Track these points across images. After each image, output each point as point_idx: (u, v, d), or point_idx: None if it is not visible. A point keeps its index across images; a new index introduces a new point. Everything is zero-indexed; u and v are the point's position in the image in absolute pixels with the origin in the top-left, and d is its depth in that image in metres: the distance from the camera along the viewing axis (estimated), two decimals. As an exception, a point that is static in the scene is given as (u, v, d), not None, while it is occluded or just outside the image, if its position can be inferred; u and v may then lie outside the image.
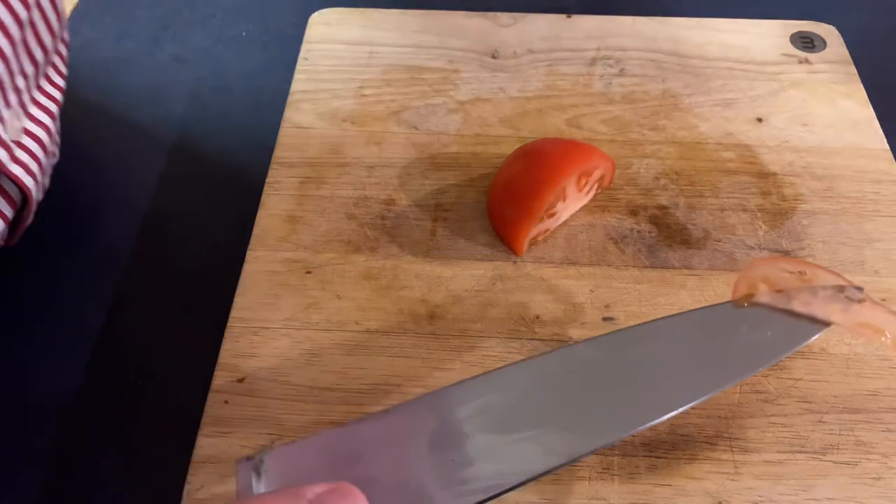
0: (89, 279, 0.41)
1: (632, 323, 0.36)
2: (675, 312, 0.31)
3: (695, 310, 0.31)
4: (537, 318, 0.37)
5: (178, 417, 0.35)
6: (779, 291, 0.31)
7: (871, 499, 0.31)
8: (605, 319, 0.37)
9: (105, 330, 0.39)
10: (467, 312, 0.37)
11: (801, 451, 0.33)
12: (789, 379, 0.35)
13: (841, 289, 0.30)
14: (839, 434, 0.33)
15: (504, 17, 0.53)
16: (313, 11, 0.53)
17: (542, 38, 0.51)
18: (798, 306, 0.30)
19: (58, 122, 0.41)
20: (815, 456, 0.32)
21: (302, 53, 0.50)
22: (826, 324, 0.30)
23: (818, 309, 0.30)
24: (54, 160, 0.40)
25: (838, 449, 0.33)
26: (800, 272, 0.31)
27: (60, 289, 0.41)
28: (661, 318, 0.30)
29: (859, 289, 0.30)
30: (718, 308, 0.31)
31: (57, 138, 0.40)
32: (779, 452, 0.33)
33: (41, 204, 0.39)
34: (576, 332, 0.37)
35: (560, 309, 0.37)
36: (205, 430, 0.34)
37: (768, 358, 0.29)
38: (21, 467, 0.35)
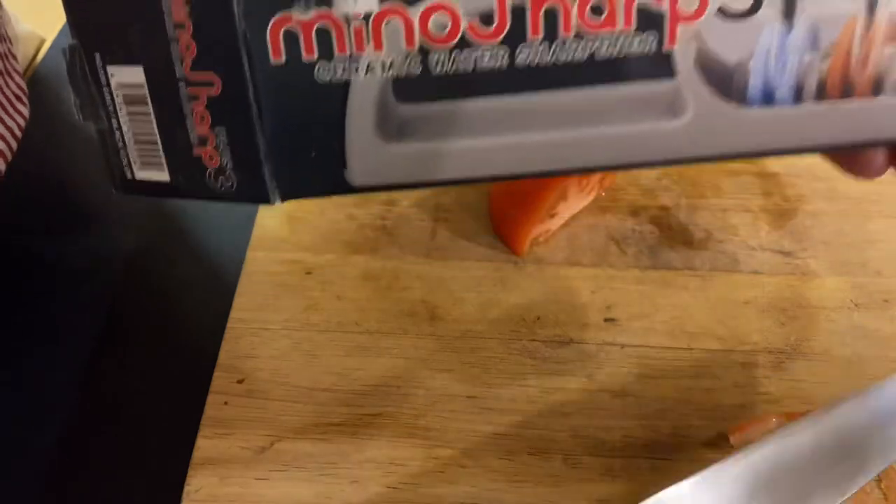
0: (88, 277, 0.41)
1: (633, 324, 0.37)
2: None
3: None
4: (538, 319, 0.37)
5: (178, 417, 0.35)
6: None
7: (873, 501, 0.31)
8: (606, 321, 0.37)
9: (104, 330, 0.39)
10: (468, 313, 0.37)
11: (803, 453, 0.32)
12: (791, 380, 0.35)
13: None
14: (842, 436, 0.33)
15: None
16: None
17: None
18: None
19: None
20: (817, 458, 0.32)
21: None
22: None
23: None
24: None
25: (841, 451, 0.32)
26: None
27: (60, 288, 0.41)
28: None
29: None
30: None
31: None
32: (781, 454, 0.32)
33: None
34: (577, 334, 0.36)
35: (561, 310, 0.37)
36: (204, 431, 0.33)
37: None
38: (20, 468, 0.35)
